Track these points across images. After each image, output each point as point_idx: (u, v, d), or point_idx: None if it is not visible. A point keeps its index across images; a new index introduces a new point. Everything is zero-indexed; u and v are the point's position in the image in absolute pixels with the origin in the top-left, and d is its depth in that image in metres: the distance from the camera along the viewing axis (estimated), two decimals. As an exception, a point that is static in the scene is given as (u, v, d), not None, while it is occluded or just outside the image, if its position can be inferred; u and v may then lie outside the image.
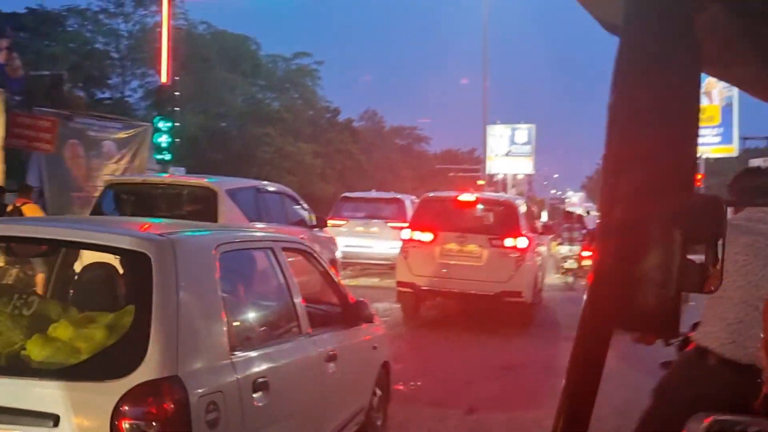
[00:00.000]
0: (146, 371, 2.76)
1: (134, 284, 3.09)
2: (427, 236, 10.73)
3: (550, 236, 17.21)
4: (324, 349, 4.30)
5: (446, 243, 10.65)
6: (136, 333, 2.88)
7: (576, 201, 76.61)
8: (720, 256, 1.15)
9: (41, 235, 3.41)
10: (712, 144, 49.29)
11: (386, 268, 15.46)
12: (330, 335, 4.56)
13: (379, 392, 5.38)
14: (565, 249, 16.68)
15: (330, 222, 15.68)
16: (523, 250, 10.54)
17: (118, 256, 3.34)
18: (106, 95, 43.14)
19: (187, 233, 3.68)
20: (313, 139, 56.38)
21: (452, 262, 10.55)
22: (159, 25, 18.66)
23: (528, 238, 10.90)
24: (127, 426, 2.68)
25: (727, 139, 50.08)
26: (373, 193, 19.77)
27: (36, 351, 2.93)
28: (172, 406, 2.75)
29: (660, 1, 0.71)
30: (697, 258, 1.00)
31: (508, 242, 10.53)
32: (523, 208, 11.83)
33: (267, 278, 4.33)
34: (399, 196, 18.28)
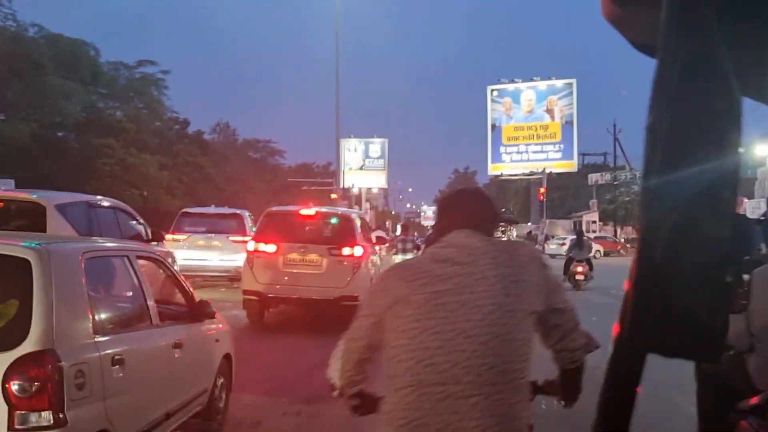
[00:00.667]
0: (29, 345, 3.77)
1: (17, 282, 4.06)
2: (271, 247, 12.14)
3: (386, 246, 18.95)
4: (171, 337, 5.42)
5: (289, 253, 12.09)
6: (21, 318, 3.87)
7: (431, 215, 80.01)
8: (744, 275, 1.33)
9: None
10: (554, 159, 53.84)
11: (225, 279, 16.93)
12: (177, 327, 5.69)
13: (221, 379, 6.54)
14: (398, 258, 18.29)
15: (171, 236, 16.62)
16: (359, 258, 12.11)
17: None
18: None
19: (58, 243, 4.70)
20: (160, 151, 55.44)
21: (295, 271, 12.00)
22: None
23: (363, 247, 12.47)
24: (15, 387, 3.68)
25: (567, 155, 54.81)
26: (213, 209, 20.87)
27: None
28: (49, 370, 3.77)
29: (697, 19, 0.72)
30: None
31: (346, 251, 12.08)
32: (358, 221, 13.48)
33: (124, 279, 5.38)
34: (238, 211, 19.43)
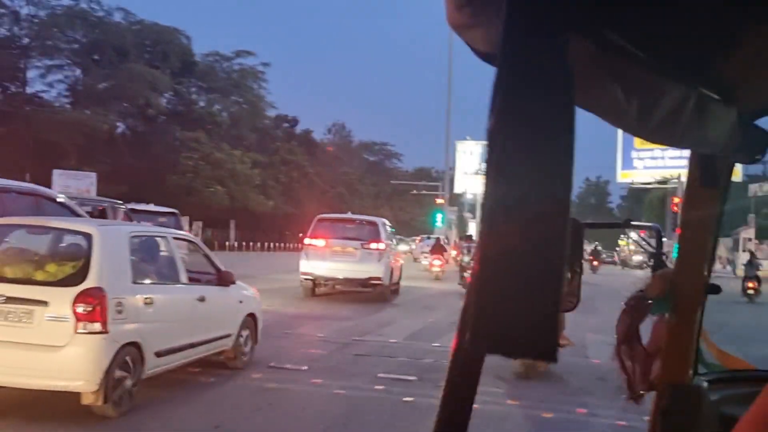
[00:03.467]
0: (88, 283, 7.17)
1: (85, 247, 7.47)
2: (321, 242, 20.71)
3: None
4: (196, 293, 9.05)
5: (333, 246, 20.61)
6: (84, 268, 7.25)
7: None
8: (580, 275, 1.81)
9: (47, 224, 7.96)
10: None
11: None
12: (202, 287, 9.36)
13: (246, 331, 10.18)
14: (466, 260, 26.26)
15: None
16: (381, 251, 20.78)
17: (76, 234, 7.75)
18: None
19: (112, 225, 8.19)
20: (260, 148, 59.41)
21: (337, 259, 20.41)
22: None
23: (385, 244, 21.19)
24: (79, 307, 7.01)
25: (731, 162, 54.43)
26: (152, 206, 25.39)
27: (41, 276, 7.30)
28: (99, 299, 7.11)
29: (535, 31, 0.84)
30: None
31: (373, 246, 20.78)
32: (383, 226, 22.11)
33: (161, 252, 8.90)
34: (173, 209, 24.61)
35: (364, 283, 20.58)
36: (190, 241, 10.08)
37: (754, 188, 54.96)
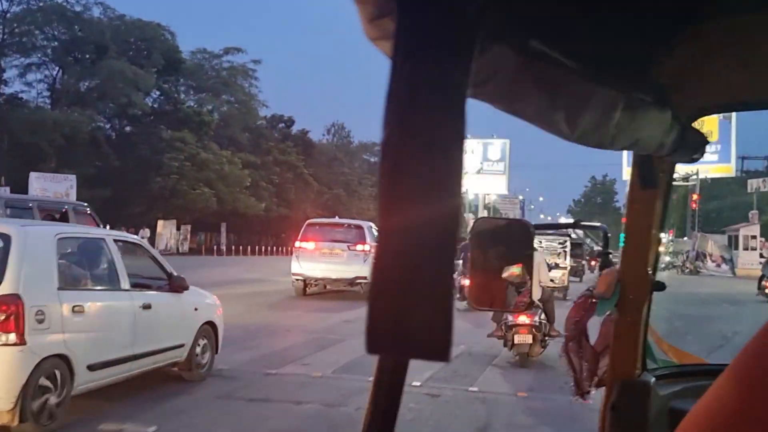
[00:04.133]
0: (2, 290, 6.51)
1: (1, 250, 6.79)
2: (311, 245, 23.21)
3: None
4: (140, 300, 8.33)
5: (322, 249, 23.04)
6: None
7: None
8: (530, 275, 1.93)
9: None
10: (709, 162, 52.42)
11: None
12: (148, 293, 8.66)
13: (204, 341, 9.58)
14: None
15: None
16: (367, 252, 22.61)
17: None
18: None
19: (37, 226, 7.51)
20: (254, 149, 58.78)
21: (326, 260, 22.86)
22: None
23: (371, 245, 22.41)
24: (-8, 316, 6.33)
25: (724, 157, 53.58)
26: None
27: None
28: (14, 307, 6.46)
29: (435, 35, 0.82)
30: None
31: (359, 247, 22.94)
32: (369, 229, 24.07)
33: (98, 256, 8.24)
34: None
35: (351, 282, 22.83)
36: (133, 244, 9.48)
37: (755, 183, 54.48)
